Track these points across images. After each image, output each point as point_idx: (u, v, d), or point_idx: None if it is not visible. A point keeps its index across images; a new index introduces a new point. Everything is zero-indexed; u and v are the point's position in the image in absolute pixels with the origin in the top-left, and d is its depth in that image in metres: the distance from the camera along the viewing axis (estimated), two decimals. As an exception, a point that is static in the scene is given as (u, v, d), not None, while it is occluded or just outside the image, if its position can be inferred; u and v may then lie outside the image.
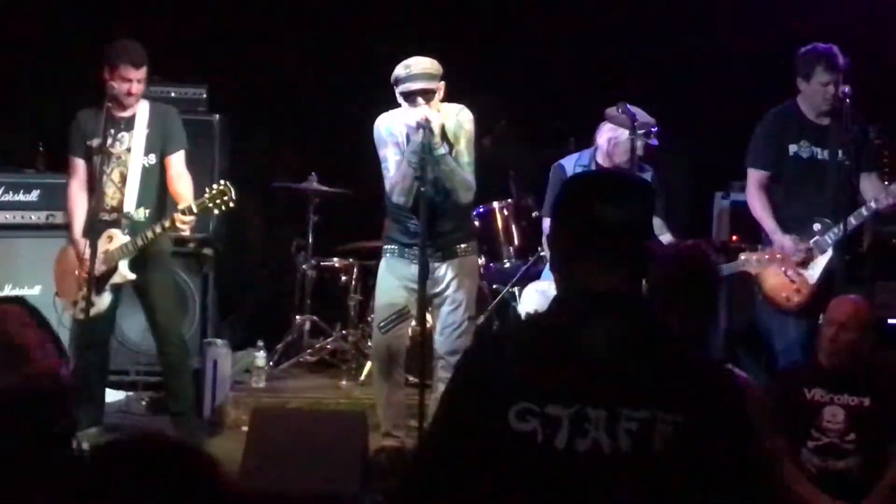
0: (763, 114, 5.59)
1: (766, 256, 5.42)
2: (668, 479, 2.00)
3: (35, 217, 6.53)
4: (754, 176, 5.55)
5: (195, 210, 5.21)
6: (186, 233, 5.44)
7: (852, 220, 5.23)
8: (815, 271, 5.36)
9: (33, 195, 6.54)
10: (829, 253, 5.31)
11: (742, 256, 5.49)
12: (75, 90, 6.32)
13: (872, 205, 5.24)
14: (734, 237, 6.42)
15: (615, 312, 2.12)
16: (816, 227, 5.34)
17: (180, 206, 5.27)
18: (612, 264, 2.14)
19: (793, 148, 5.43)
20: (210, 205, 5.21)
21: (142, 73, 5.44)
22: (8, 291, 6.43)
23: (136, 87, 5.43)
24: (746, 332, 6.47)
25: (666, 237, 5.71)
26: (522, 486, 2.04)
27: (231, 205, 5.25)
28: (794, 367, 4.57)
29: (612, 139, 5.62)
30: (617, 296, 2.13)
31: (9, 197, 6.49)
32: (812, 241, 5.34)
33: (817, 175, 5.40)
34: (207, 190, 5.24)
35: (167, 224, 5.26)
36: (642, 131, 5.33)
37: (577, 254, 2.17)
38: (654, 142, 5.49)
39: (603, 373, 2.05)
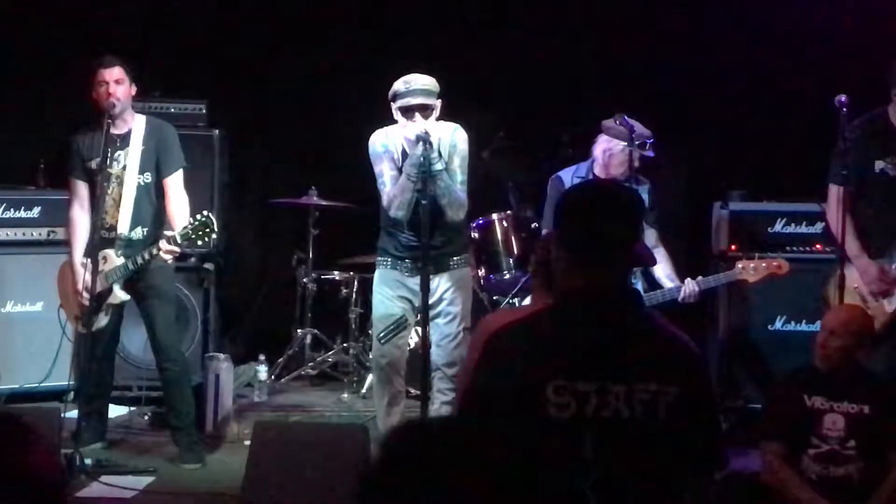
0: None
1: (764, 265, 5.41)
2: (669, 437, 2.49)
3: (36, 234, 6.54)
4: (833, 192, 5.12)
5: (179, 240, 5.22)
6: (169, 261, 5.43)
7: None
8: (893, 301, 5.01)
9: (34, 212, 6.56)
10: None
11: (739, 265, 5.50)
12: (76, 107, 6.34)
13: None
14: (733, 246, 6.42)
15: (619, 306, 2.58)
16: None
17: (166, 236, 5.29)
18: (612, 267, 2.57)
19: (879, 164, 5.02)
20: (193, 236, 5.21)
21: (115, 72, 5.41)
22: (10, 308, 6.47)
23: (115, 89, 5.40)
24: (743, 340, 6.48)
25: (660, 250, 5.70)
26: (555, 447, 2.46)
27: (214, 236, 5.26)
28: (794, 374, 4.57)
29: (607, 150, 5.60)
30: (617, 291, 2.59)
31: (10, 214, 6.51)
32: (894, 266, 5.00)
33: None
34: (190, 221, 5.23)
35: (154, 251, 5.28)
36: (639, 142, 5.34)
37: (582, 260, 2.56)
38: (651, 153, 5.48)
39: (619, 354, 2.51)
